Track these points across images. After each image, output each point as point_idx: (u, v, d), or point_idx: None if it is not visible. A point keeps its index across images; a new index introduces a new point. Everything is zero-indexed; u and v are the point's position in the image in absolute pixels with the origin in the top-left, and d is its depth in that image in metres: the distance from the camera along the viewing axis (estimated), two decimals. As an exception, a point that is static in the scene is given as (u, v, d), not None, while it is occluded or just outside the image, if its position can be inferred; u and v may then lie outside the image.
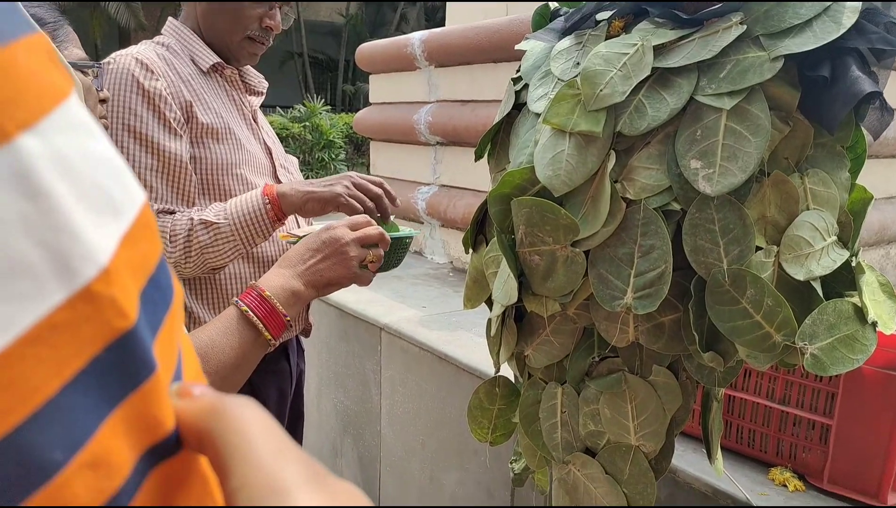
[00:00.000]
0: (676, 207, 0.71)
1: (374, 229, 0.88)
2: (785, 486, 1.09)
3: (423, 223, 2.82)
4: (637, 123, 0.73)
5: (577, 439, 0.84)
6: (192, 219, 1.00)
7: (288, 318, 0.79)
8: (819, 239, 0.69)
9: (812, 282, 0.68)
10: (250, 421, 0.21)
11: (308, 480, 0.20)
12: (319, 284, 0.83)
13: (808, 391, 1.09)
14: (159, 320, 0.22)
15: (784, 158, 0.70)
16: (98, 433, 0.18)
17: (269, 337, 0.77)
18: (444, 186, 2.73)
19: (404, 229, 1.22)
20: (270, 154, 1.22)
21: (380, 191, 1.05)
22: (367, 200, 1.04)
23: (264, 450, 0.20)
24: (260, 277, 1.12)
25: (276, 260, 1.14)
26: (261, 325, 0.76)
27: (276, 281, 0.80)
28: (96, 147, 0.20)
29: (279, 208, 1.02)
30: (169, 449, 0.21)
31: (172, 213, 1.01)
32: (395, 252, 1.15)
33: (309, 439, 2.38)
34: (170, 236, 0.98)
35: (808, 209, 0.69)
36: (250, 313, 0.77)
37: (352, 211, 1.00)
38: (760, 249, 0.69)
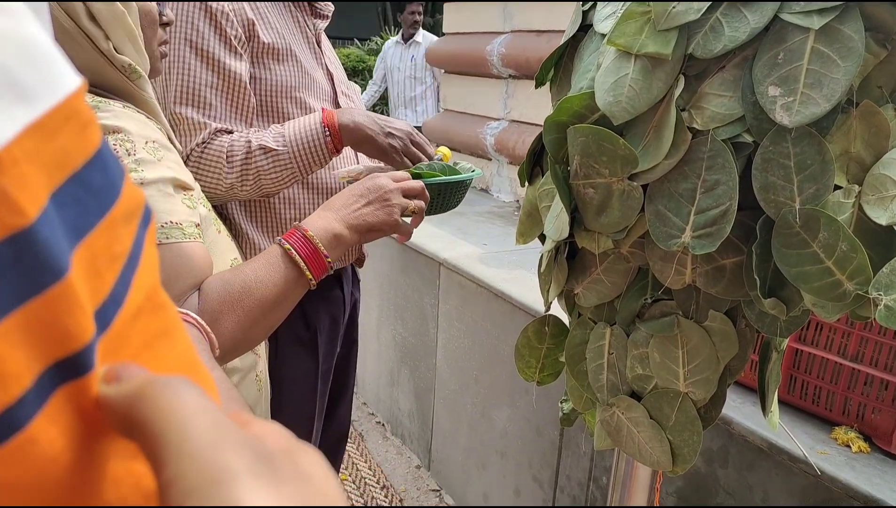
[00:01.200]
0: (748, 139, 0.65)
1: (416, 183, 0.89)
2: (848, 447, 1.03)
3: (490, 160, 2.76)
4: (712, 44, 0.66)
5: (624, 382, 0.81)
6: (250, 142, 1.00)
7: (330, 260, 0.80)
8: (910, 180, 0.62)
9: (895, 227, 0.61)
10: (185, 405, 0.19)
11: (251, 468, 0.18)
12: (362, 228, 0.84)
13: (884, 350, 1.01)
14: (89, 223, 0.19)
15: (877, 86, 0.62)
16: None
17: (311, 277, 0.78)
18: (514, 121, 2.66)
19: (465, 165, 1.19)
20: (332, 80, 1.20)
21: (424, 158, 1.07)
22: (418, 154, 1.05)
23: (200, 437, 0.18)
24: (316, 205, 1.12)
25: (331, 188, 1.14)
26: (303, 265, 0.77)
27: (320, 223, 0.81)
28: (6, 24, 0.18)
29: (339, 140, 1.01)
30: (82, 367, 0.19)
31: (230, 132, 1.02)
32: (456, 193, 1.13)
33: (368, 367, 2.45)
34: (227, 157, 0.99)
35: (900, 146, 0.61)
36: (293, 252, 0.77)
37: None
38: (840, 188, 0.62)
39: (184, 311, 0.64)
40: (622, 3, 0.77)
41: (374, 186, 0.86)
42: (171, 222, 0.70)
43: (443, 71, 3.21)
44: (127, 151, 0.67)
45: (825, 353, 1.07)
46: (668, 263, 0.72)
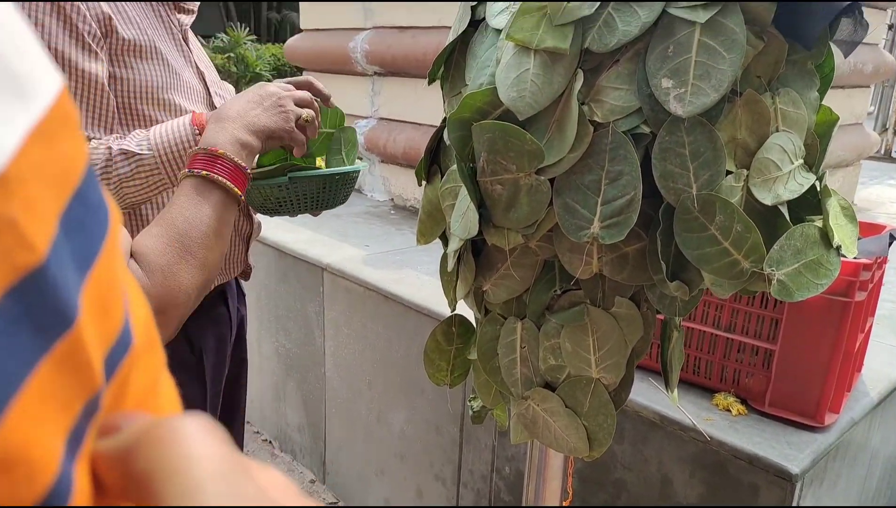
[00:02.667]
0: (646, 130, 0.68)
1: (305, 92, 0.90)
2: (729, 411, 1.12)
3: (361, 159, 2.72)
4: (606, 38, 0.68)
5: (537, 374, 0.82)
6: (110, 148, 0.89)
7: (246, 169, 0.79)
8: (787, 162, 0.67)
9: (779, 207, 0.67)
10: (193, 452, 0.15)
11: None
12: (262, 134, 0.83)
13: (752, 318, 1.11)
14: (93, 250, 0.15)
15: (756, 76, 0.67)
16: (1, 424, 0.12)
17: (238, 193, 0.76)
18: (383, 119, 2.63)
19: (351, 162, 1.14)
20: (204, 80, 1.10)
21: (314, 102, 0.97)
22: (315, 120, 0.96)
23: (207, 496, 0.15)
24: None
25: None
26: (227, 183, 0.75)
27: (223, 136, 0.78)
28: None
29: None
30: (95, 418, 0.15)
31: (88, 140, 0.90)
32: (343, 187, 1.08)
33: (251, 384, 2.32)
34: None
35: (777, 131, 0.67)
36: (213, 175, 0.75)
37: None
38: (730, 173, 0.66)
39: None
40: (512, -2, 0.77)
41: (267, 93, 0.85)
42: None
43: (303, 70, 3.11)
44: None
45: (702, 326, 1.16)
46: (576, 254, 0.74)
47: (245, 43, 7.44)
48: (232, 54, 7.20)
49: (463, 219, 0.80)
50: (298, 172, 0.99)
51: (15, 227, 0.12)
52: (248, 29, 8.26)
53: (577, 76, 0.70)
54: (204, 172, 0.74)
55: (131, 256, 0.68)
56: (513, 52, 0.72)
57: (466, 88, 0.81)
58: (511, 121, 0.71)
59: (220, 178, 0.75)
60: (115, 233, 0.17)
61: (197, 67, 1.10)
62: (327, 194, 1.06)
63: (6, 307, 0.12)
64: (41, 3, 0.87)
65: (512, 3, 0.76)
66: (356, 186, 2.80)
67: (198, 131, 0.92)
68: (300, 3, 3.08)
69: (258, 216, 1.18)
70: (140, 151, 0.89)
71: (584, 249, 0.74)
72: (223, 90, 1.16)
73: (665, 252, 0.69)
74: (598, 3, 0.68)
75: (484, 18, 0.81)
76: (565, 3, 0.69)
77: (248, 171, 0.79)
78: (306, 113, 0.87)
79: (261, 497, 0.16)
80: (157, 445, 0.15)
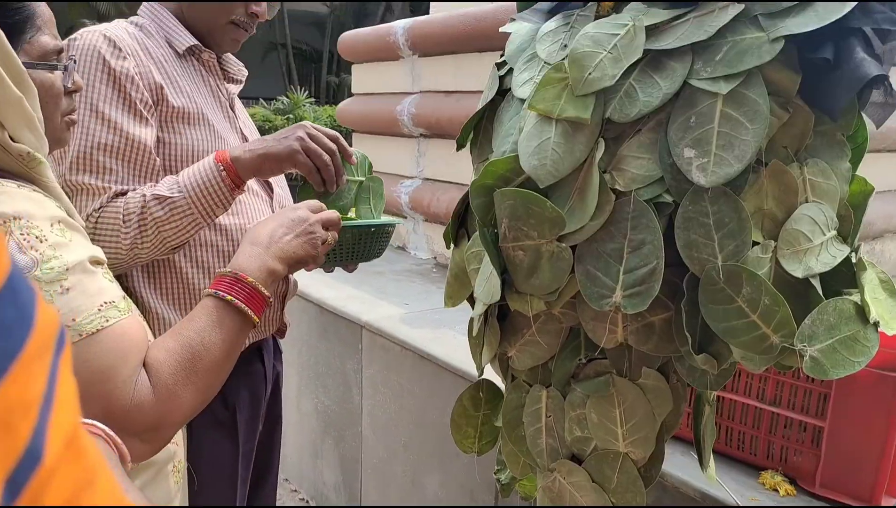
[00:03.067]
0: (668, 199, 0.67)
1: (334, 213, 0.93)
2: (776, 490, 1.05)
3: (405, 218, 2.77)
4: (627, 108, 0.68)
5: (563, 445, 0.80)
6: (144, 196, 0.93)
7: (269, 297, 0.80)
8: (818, 234, 0.65)
9: (811, 279, 0.64)
10: None
11: None
12: (291, 261, 0.85)
13: (799, 392, 1.06)
14: (2, 368, 0.16)
15: (783, 146, 0.65)
16: None
17: (256, 320, 0.78)
18: (427, 179, 2.68)
19: (385, 217, 1.17)
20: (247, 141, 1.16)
21: (334, 146, 1.02)
22: (324, 153, 1.00)
23: None
24: (224, 265, 1.06)
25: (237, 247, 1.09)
26: (247, 310, 0.76)
27: (253, 263, 0.81)
28: None
29: (235, 174, 0.96)
30: None
31: (124, 193, 0.95)
32: (378, 241, 1.10)
33: (289, 440, 2.33)
34: (123, 217, 0.92)
35: (807, 202, 0.65)
36: (236, 301, 0.76)
37: (308, 170, 0.99)
38: (757, 244, 0.64)
39: (89, 422, 0.58)
40: (538, 68, 0.79)
41: (297, 218, 0.88)
42: (105, 302, 0.65)
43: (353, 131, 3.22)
44: (38, 237, 0.61)
45: (746, 398, 1.11)
46: (600, 322, 0.72)
47: (304, 105, 7.78)
48: (291, 115, 7.53)
49: (486, 284, 0.80)
50: None
51: None
52: (307, 92, 8.66)
53: (598, 145, 0.70)
54: (229, 297, 0.76)
55: (143, 365, 0.68)
56: (535, 122, 0.73)
57: (493, 154, 0.82)
58: (534, 189, 0.71)
59: (241, 304, 0.76)
60: (35, 347, 0.17)
61: (241, 132, 1.15)
62: (361, 246, 1.08)
63: None
64: (98, 71, 0.94)
65: (536, 74, 0.78)
66: (400, 244, 2.84)
67: (222, 167, 0.95)
68: (352, 68, 3.21)
69: (294, 275, 1.20)
70: (171, 195, 0.93)
71: (608, 317, 0.72)
72: None
73: (691, 323, 0.67)
74: (620, 73, 0.69)
75: (510, 88, 0.83)
76: (586, 73, 0.70)
77: (270, 299, 0.81)
78: (330, 237, 0.91)
79: None
80: None
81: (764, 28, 0.64)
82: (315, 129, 1.03)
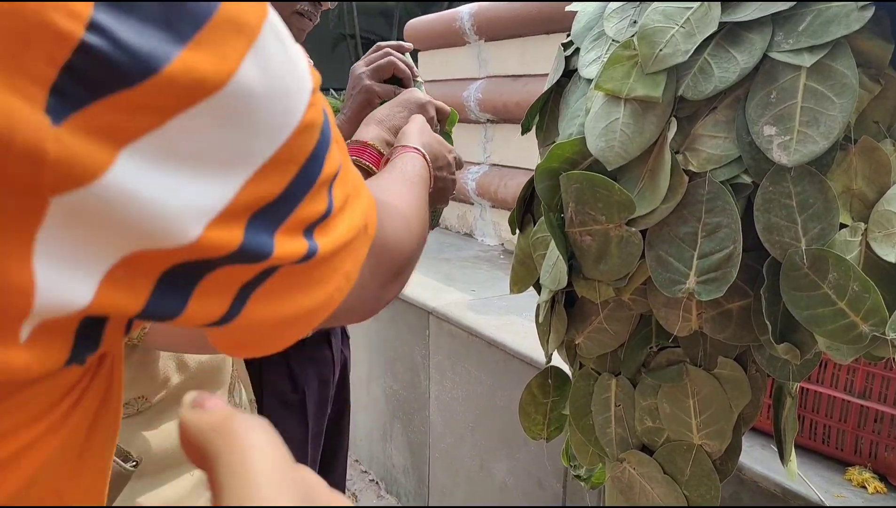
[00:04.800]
0: (747, 179, 0.63)
1: (443, 104, 0.97)
2: (864, 488, 0.99)
3: (472, 204, 2.76)
4: (702, 85, 0.65)
5: (633, 435, 0.78)
6: None
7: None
8: (916, 215, 0.60)
9: (907, 264, 0.59)
10: (255, 447, 0.20)
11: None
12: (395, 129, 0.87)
13: (891, 384, 0.99)
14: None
15: (874, 121, 0.61)
16: None
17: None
18: (494, 165, 2.66)
19: None
20: None
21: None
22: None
23: (263, 479, 0.19)
24: None
25: None
26: (373, 168, 0.78)
27: (371, 133, 0.83)
28: None
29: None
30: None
31: None
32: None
33: (360, 423, 2.38)
34: None
35: (903, 180, 0.60)
36: (361, 160, 0.79)
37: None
38: (845, 226, 0.60)
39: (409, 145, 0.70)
40: (606, 47, 0.76)
41: (413, 98, 0.91)
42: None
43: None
44: None
45: (832, 391, 1.05)
46: (672, 309, 0.70)
47: (372, 94, 7.88)
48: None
49: (553, 270, 0.78)
50: None
51: None
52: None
53: (670, 125, 0.67)
54: (354, 158, 0.79)
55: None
56: (602, 102, 0.70)
57: (559, 137, 0.80)
58: (601, 171, 0.69)
59: (367, 163, 0.80)
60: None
61: None
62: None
63: None
64: None
65: (604, 53, 0.75)
66: (467, 231, 2.83)
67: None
68: (418, 54, 3.22)
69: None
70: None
71: (682, 304, 0.70)
72: None
73: (771, 311, 0.64)
74: (694, 48, 0.65)
75: (577, 68, 0.80)
76: (657, 50, 0.67)
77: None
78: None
79: (309, 493, 0.20)
80: (228, 432, 0.20)
81: (853, -6, 0.59)
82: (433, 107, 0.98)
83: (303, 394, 1.16)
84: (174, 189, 0.23)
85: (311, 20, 1.12)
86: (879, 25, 0.60)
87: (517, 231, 0.93)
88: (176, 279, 0.25)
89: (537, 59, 2.37)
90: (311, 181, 0.28)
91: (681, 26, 0.67)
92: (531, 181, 0.90)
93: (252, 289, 0.28)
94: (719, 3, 0.66)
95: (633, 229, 0.68)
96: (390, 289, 0.46)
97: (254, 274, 0.28)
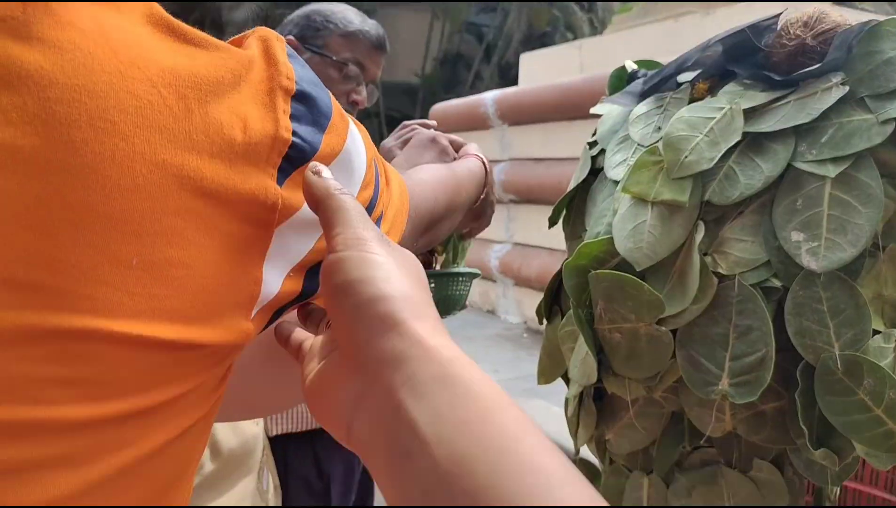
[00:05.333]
0: (777, 283, 0.65)
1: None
2: (913, 596, 0.95)
3: (495, 282, 2.78)
4: (728, 191, 0.67)
5: (667, 538, 0.76)
6: None
7: None
8: (949, 322, 0.60)
9: (943, 372, 0.59)
10: (350, 203, 0.35)
11: (379, 240, 0.35)
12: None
13: (935, 485, 0.96)
14: None
15: (901, 230, 0.62)
16: None
17: None
18: (517, 244, 2.70)
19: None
20: None
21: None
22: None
23: (355, 220, 0.35)
24: None
25: None
26: None
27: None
28: None
29: None
30: None
31: None
32: (454, 289, 1.11)
33: None
34: None
35: (933, 288, 0.61)
36: None
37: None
38: (878, 332, 0.60)
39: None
40: (632, 151, 0.79)
41: (423, 136, 0.94)
42: None
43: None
44: None
45: (872, 489, 1.01)
46: (706, 409, 0.70)
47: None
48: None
49: (582, 365, 0.79)
50: None
51: None
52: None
53: (697, 228, 0.69)
54: None
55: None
56: (629, 204, 0.73)
57: (586, 233, 0.83)
58: (629, 271, 0.71)
59: None
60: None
61: None
62: (437, 294, 1.09)
63: None
64: None
65: (630, 156, 0.78)
66: (490, 308, 2.84)
67: None
68: (443, 137, 3.33)
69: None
70: None
71: (715, 404, 0.69)
72: None
73: (807, 415, 0.63)
74: (717, 158, 0.68)
75: (603, 168, 0.83)
76: (682, 156, 0.70)
77: None
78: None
79: (372, 223, 0.36)
80: (337, 194, 0.35)
81: (872, 110, 0.62)
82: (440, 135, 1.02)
83: (328, 480, 1.15)
84: None
85: (361, 106, 1.20)
86: (900, 138, 0.62)
87: (545, 322, 0.94)
88: (315, 268, 0.38)
89: (559, 143, 2.44)
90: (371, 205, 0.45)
91: (705, 135, 0.70)
92: (558, 274, 0.92)
93: None
94: (742, 114, 0.69)
95: (664, 328, 0.69)
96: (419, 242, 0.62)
97: None
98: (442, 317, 1.12)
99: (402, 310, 0.30)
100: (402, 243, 0.49)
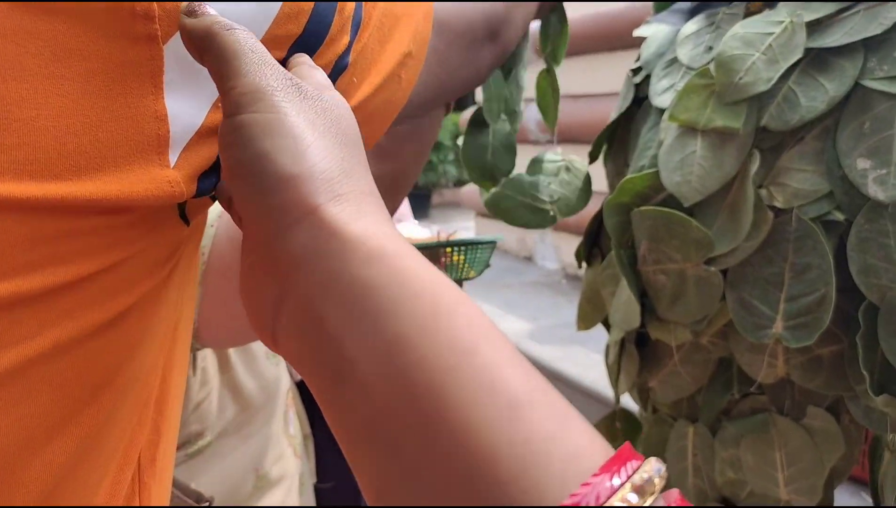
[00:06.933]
0: (839, 216, 0.59)
1: None
2: (974, 546, 0.90)
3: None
4: (787, 115, 0.61)
5: (713, 487, 0.73)
6: None
7: None
8: None
9: None
10: (244, 42, 0.27)
11: (289, 89, 0.27)
12: None
13: None
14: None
15: None
16: None
17: None
18: (555, 188, 2.63)
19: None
20: None
21: None
22: None
23: (252, 65, 0.26)
24: None
25: None
26: None
27: None
28: None
29: None
30: None
31: None
32: (469, 257, 1.07)
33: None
34: None
35: None
36: None
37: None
38: (956, 269, 0.54)
39: None
40: (680, 74, 0.73)
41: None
42: None
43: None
44: None
45: (933, 436, 0.96)
46: (757, 354, 0.65)
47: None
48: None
49: (624, 309, 0.75)
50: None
51: None
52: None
53: (752, 157, 0.63)
54: None
55: None
56: (677, 134, 0.67)
57: (629, 168, 0.77)
58: (676, 207, 0.66)
59: None
60: None
61: None
62: (455, 265, 1.06)
63: None
64: None
65: (678, 80, 0.72)
66: (527, 254, 2.80)
67: None
68: (478, 79, 3.23)
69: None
70: None
71: (767, 349, 0.65)
72: None
73: (868, 359, 0.58)
74: (776, 78, 0.61)
75: (648, 96, 0.77)
76: (737, 78, 0.63)
77: None
78: None
79: (278, 67, 0.28)
80: (223, 31, 0.27)
81: (959, 15, 0.54)
82: None
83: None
84: None
85: None
86: None
87: (584, 265, 0.90)
88: None
89: (602, 77, 2.33)
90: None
91: (762, 53, 0.63)
92: (599, 213, 0.86)
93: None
94: (804, 28, 0.62)
95: (713, 268, 0.64)
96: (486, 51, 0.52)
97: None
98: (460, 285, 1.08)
99: (314, 193, 0.24)
100: (452, 63, 0.44)
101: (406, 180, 0.68)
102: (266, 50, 0.27)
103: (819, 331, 0.57)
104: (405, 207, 1.23)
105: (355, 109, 0.35)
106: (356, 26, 0.35)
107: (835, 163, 0.59)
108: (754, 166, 0.62)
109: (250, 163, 0.24)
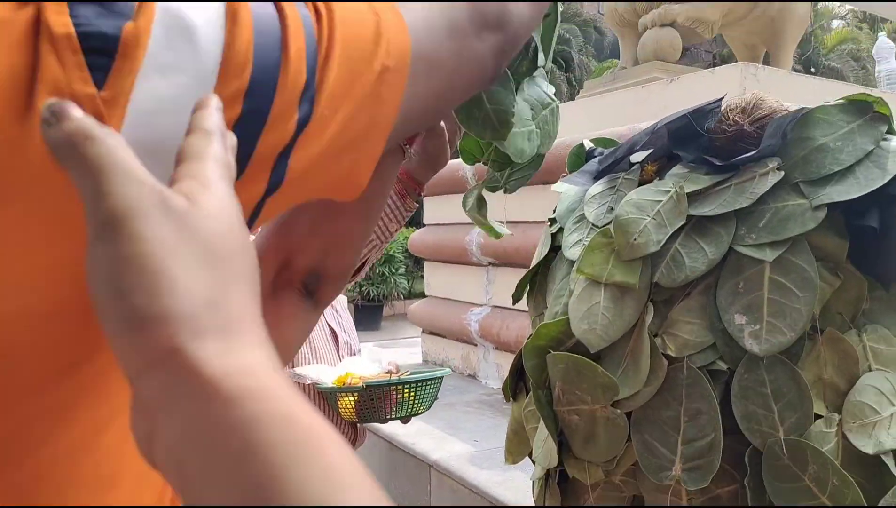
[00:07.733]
0: (723, 366, 0.66)
1: None
2: None
3: (476, 345, 2.77)
4: (675, 274, 0.69)
5: None
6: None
7: None
8: (886, 404, 0.61)
9: (882, 457, 0.60)
10: (104, 153, 0.24)
11: (148, 208, 0.24)
12: None
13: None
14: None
15: (837, 313, 0.64)
16: None
17: None
18: (496, 307, 2.70)
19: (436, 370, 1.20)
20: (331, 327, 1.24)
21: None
22: None
23: (113, 182, 0.24)
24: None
25: None
26: None
27: None
28: None
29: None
30: None
31: None
32: (421, 394, 1.12)
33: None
34: None
35: (870, 370, 0.62)
36: None
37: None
38: (820, 417, 0.61)
39: None
40: (587, 230, 0.81)
41: None
42: None
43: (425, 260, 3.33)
44: None
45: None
46: (662, 493, 0.69)
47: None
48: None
49: (544, 447, 0.79)
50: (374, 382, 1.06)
51: None
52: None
53: (648, 309, 0.70)
54: None
55: None
56: (584, 285, 0.74)
57: (546, 310, 0.84)
58: (585, 352, 0.72)
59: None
60: None
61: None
62: (406, 401, 1.11)
63: None
64: None
65: (585, 236, 0.80)
66: (471, 373, 2.83)
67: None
68: (424, 200, 3.37)
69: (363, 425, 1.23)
70: None
71: (671, 489, 0.69)
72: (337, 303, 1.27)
73: (758, 499, 0.63)
74: (664, 240, 0.70)
75: (561, 247, 0.85)
76: (632, 239, 0.72)
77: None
78: None
79: (150, 187, 0.25)
80: (87, 143, 0.24)
81: (806, 195, 0.65)
82: None
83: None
84: None
85: None
86: (834, 224, 0.65)
87: (511, 399, 0.94)
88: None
89: (534, 207, 2.48)
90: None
91: (652, 217, 0.72)
92: (521, 353, 0.92)
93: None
94: (686, 197, 0.71)
95: (619, 410, 0.69)
96: (485, 41, 0.44)
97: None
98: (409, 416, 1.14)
99: (172, 334, 0.23)
100: (447, 63, 0.41)
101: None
102: (133, 158, 0.25)
103: (712, 474, 0.63)
104: (355, 341, 1.27)
105: (331, 141, 0.35)
106: (311, 57, 0.34)
107: (716, 317, 0.66)
108: (650, 317, 0.69)
109: (107, 302, 0.23)
